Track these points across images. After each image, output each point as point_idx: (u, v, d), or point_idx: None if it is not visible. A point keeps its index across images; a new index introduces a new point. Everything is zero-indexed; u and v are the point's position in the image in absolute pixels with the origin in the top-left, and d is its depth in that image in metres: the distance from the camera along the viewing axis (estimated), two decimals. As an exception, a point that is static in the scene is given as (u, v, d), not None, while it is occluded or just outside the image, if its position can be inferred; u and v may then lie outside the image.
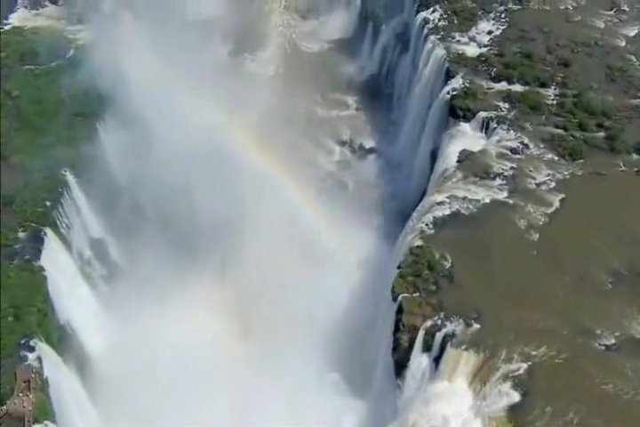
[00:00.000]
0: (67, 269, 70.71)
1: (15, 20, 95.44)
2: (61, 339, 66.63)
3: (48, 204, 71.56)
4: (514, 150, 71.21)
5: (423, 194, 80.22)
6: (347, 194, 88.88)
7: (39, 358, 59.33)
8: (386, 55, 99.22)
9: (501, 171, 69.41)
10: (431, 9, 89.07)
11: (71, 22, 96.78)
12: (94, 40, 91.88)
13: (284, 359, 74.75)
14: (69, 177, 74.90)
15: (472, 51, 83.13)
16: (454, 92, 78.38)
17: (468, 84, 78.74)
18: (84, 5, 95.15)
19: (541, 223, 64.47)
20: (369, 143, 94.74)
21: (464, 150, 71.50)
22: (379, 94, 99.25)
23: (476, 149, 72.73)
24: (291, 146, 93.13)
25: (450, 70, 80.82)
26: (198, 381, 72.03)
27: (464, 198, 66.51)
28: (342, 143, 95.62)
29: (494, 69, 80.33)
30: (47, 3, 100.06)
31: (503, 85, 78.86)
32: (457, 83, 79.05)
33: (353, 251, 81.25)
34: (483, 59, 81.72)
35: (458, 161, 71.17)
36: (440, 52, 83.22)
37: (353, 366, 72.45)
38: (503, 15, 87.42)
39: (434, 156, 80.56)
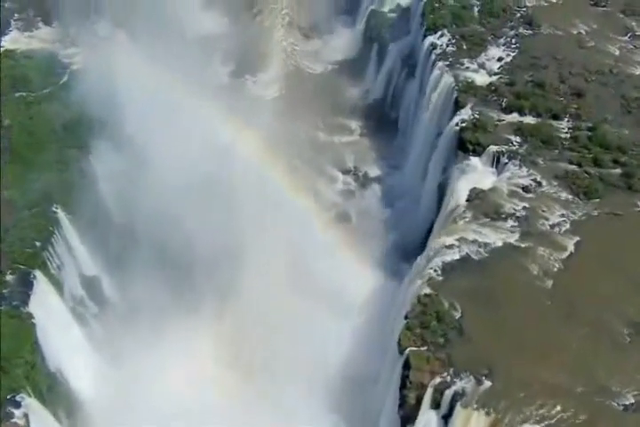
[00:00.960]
0: (57, 313, 68.34)
1: (8, 42, 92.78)
2: (51, 388, 64.23)
3: (38, 244, 69.12)
4: (526, 188, 68.75)
5: (430, 227, 78.43)
6: (350, 226, 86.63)
7: (26, 416, 56.24)
8: (391, 79, 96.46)
9: (513, 211, 67.18)
10: (439, 33, 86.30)
11: (65, 45, 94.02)
12: (89, 64, 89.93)
13: (282, 399, 72.83)
14: (60, 214, 72.64)
15: (482, 79, 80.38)
16: (463, 124, 75.93)
17: (477, 116, 76.26)
18: (79, 27, 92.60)
19: (555, 269, 62.34)
20: (373, 171, 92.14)
21: (474, 188, 69.27)
22: (383, 119, 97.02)
23: (486, 186, 70.39)
24: (293, 173, 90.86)
25: (459, 100, 77.82)
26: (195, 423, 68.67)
27: (474, 242, 64.22)
28: (346, 171, 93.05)
29: (505, 100, 77.69)
30: (41, 24, 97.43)
31: (514, 117, 76.06)
32: (466, 114, 76.53)
33: (356, 288, 79.15)
34: (493, 88, 78.98)
35: (467, 200, 68.92)
36: (448, 79, 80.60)
37: (354, 410, 70.93)
38: (514, 40, 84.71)
39: (441, 188, 77.82)
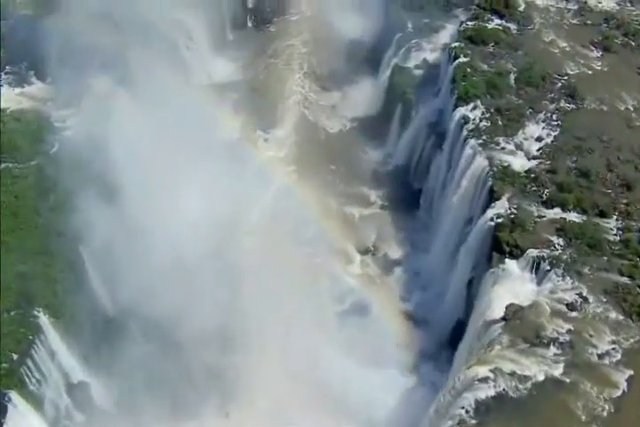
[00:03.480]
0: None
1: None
2: None
3: (15, 357, 61.13)
4: (571, 306, 61.80)
5: (456, 326, 73.93)
6: (369, 319, 79.44)
7: None
8: (416, 146, 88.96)
9: (556, 335, 60.42)
10: (472, 105, 78.70)
11: (59, 105, 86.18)
12: (82, 129, 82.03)
13: None
14: (43, 318, 65.32)
15: (519, 163, 73.33)
16: (499, 220, 68.42)
17: (515, 210, 69.65)
18: (74, 84, 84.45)
19: (605, 414, 55.67)
20: (395, 252, 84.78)
21: (511, 304, 62.07)
22: (405, 190, 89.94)
23: (525, 299, 64.13)
24: (304, 251, 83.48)
25: (494, 189, 69.96)
26: None
27: (512, 374, 57.76)
28: (365, 251, 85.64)
29: (546, 191, 70.76)
30: (34, 79, 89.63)
31: (556, 213, 68.96)
32: (502, 207, 69.88)
33: (376, 398, 72.17)
34: (532, 176, 71.94)
35: (504, 318, 60.29)
36: (482, 162, 73.54)
37: None
38: (554, 117, 77.26)
39: (471, 285, 71.95)
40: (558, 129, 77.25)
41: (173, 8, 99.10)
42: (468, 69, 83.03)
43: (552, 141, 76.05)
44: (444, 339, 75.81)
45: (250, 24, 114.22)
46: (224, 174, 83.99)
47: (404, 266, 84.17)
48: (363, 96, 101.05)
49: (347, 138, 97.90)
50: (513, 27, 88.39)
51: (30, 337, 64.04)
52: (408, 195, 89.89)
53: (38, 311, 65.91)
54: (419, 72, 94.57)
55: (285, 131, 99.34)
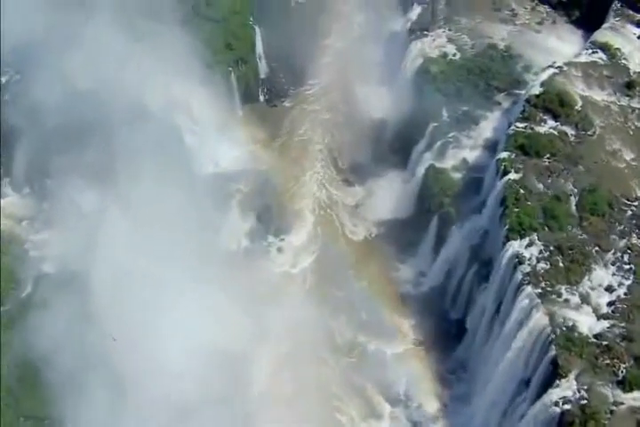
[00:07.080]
0: None
1: (-30, 217, 73.44)
2: None
3: None
4: None
5: None
6: None
7: None
8: (455, 269, 78.38)
9: None
10: (527, 240, 67.44)
11: (37, 226, 75.30)
12: (64, 261, 70.25)
13: None
14: None
15: (587, 324, 63.52)
16: (566, 406, 57.23)
17: (585, 393, 59.58)
18: (56, 199, 72.97)
19: None
20: (430, 404, 74.65)
21: None
22: (442, 319, 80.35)
23: None
24: (322, 401, 74.93)
25: (558, 362, 57.33)
26: None
27: None
28: (395, 401, 75.20)
29: (622, 367, 58.84)
30: (9, 189, 76.93)
31: (636, 398, 59.56)
32: (569, 388, 60.29)
33: None
34: (604, 344, 61.36)
35: None
36: (542, 320, 63.57)
37: None
38: (626, 258, 67.50)
39: None
40: (631, 276, 66.59)
41: (172, 86, 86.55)
42: (521, 191, 71.69)
43: (625, 293, 65.48)
44: None
45: (262, 98, 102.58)
46: (228, 297, 73.94)
47: (442, 423, 71.39)
48: (390, 196, 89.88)
49: (373, 248, 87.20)
50: (570, 131, 76.28)
51: None
52: (444, 326, 79.77)
53: None
54: (457, 176, 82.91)
55: (302, 238, 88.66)
